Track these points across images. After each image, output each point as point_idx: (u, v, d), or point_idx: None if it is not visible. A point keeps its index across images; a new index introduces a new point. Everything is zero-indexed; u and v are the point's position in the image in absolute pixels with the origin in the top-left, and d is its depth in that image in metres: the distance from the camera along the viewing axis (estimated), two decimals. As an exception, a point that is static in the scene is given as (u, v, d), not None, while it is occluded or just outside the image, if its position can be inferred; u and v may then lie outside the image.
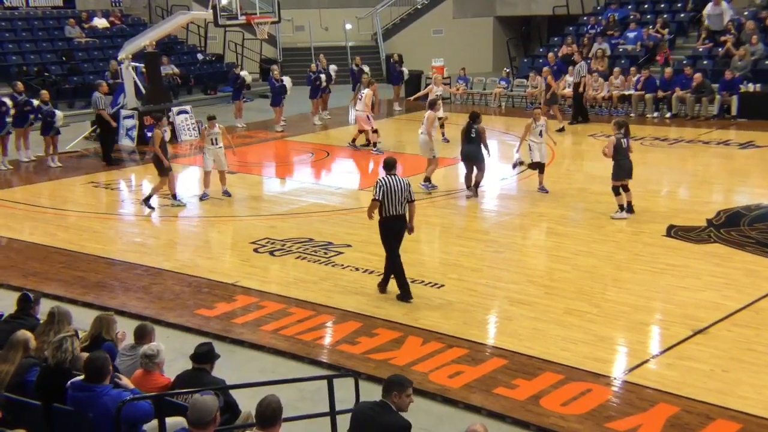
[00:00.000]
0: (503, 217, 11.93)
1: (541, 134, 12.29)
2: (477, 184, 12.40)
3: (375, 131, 16.00)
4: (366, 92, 15.96)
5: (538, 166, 12.41)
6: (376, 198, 8.32)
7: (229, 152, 12.81)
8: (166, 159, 12.08)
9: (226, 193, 12.72)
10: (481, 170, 12.30)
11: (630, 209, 10.96)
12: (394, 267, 8.47)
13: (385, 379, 4.98)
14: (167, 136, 12.64)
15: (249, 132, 18.79)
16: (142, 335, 5.86)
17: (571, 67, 18.66)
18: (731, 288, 8.46)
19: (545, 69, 18.98)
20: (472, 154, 12.18)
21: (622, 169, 10.77)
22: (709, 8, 19.77)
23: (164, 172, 12.13)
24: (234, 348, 7.52)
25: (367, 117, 15.88)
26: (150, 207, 12.16)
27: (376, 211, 8.39)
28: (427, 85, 20.39)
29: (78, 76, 21.44)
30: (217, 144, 12.48)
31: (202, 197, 12.61)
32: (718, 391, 6.39)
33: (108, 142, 15.87)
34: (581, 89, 18.49)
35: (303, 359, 7.25)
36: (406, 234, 8.51)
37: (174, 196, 12.39)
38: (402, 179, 8.38)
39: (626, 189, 10.97)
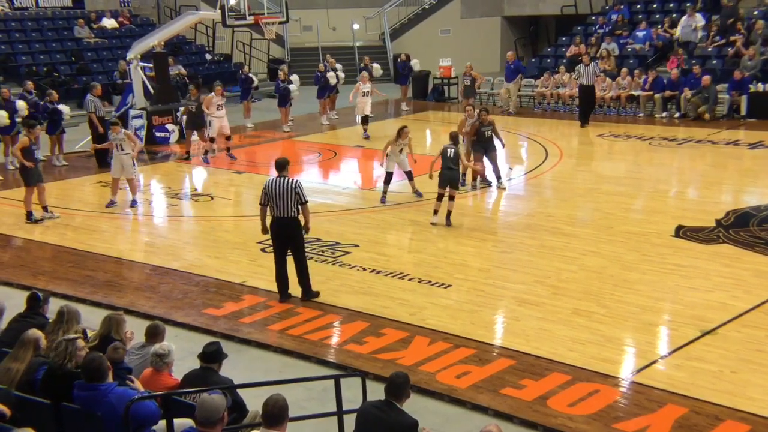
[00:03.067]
0: (511, 217, 11.90)
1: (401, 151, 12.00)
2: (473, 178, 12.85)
3: (212, 140, 15.52)
4: (208, 96, 15.47)
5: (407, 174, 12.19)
6: (260, 203, 8.35)
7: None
8: (30, 166, 11.42)
9: (134, 203, 12.35)
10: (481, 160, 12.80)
11: (448, 221, 10.72)
12: (277, 273, 8.41)
13: (389, 378, 4.98)
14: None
15: (257, 132, 18.83)
16: (154, 334, 5.88)
17: (580, 67, 18.15)
18: (740, 289, 8.42)
19: (468, 64, 19.32)
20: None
21: (443, 178, 10.66)
22: (683, 20, 19.44)
23: (31, 180, 11.46)
24: (241, 347, 7.54)
25: (209, 123, 15.43)
26: (49, 216, 11.70)
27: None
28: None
29: (87, 76, 21.49)
30: (122, 150, 12.09)
31: (109, 204, 12.28)
32: (727, 393, 6.36)
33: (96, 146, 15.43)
34: (599, 92, 18.12)
35: (310, 359, 7.26)
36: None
37: (45, 209, 11.75)
38: (290, 180, 8.16)
39: (451, 198, 10.76)
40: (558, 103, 20.14)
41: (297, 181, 8.26)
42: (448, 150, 10.73)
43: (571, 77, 19.45)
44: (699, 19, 19.34)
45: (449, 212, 10.77)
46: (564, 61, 21.27)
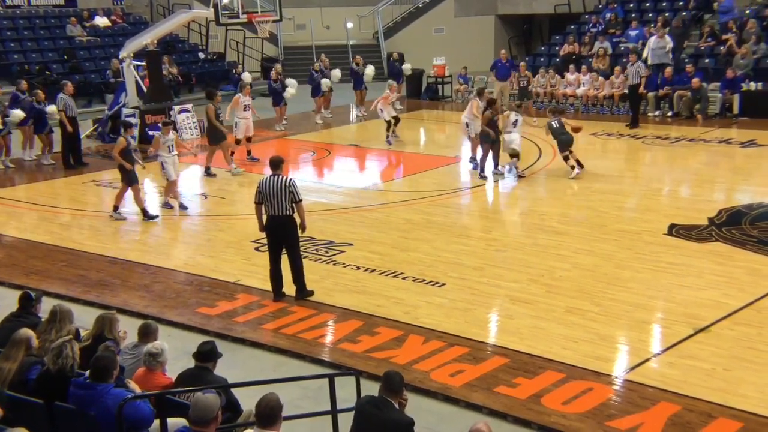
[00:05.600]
0: (504, 215, 11.94)
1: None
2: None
3: (238, 141, 14.96)
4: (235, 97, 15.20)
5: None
6: (255, 201, 8.29)
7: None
8: (129, 168, 11.40)
9: (167, 205, 12.13)
10: (484, 151, 13.44)
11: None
12: (271, 272, 8.38)
13: (384, 375, 4.98)
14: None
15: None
16: (147, 333, 5.86)
17: (629, 67, 17.53)
18: (733, 287, 8.45)
19: (522, 64, 19.30)
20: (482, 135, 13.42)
21: (562, 144, 13.28)
22: (652, 42, 18.78)
23: (132, 180, 11.47)
24: (235, 346, 7.53)
25: (235, 124, 14.90)
26: (121, 217, 11.65)
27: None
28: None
29: (79, 74, 21.45)
30: (172, 151, 11.95)
31: (166, 206, 12.04)
32: (720, 390, 6.39)
33: (68, 146, 15.24)
34: (641, 90, 17.39)
35: (304, 358, 7.25)
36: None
37: (116, 209, 11.72)
38: (284, 179, 8.11)
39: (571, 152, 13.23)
40: (552, 101, 20.18)
41: (291, 179, 8.23)
42: (553, 123, 13.25)
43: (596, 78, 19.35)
44: (668, 41, 18.80)
45: (577, 160, 13.22)
46: (557, 60, 21.32)
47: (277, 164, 8.32)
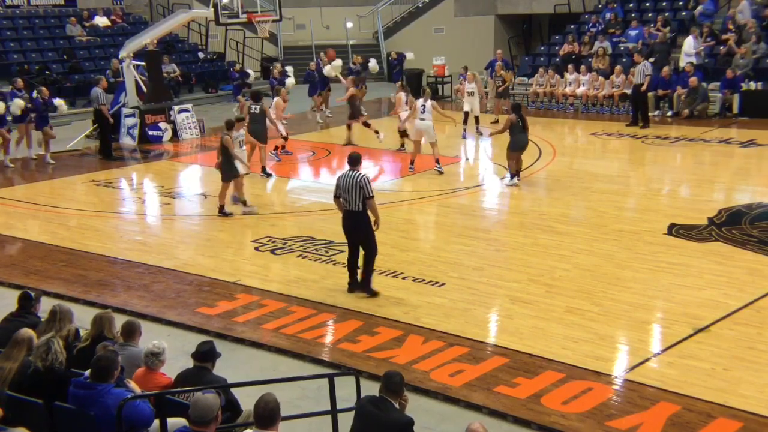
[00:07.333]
0: (504, 215, 11.93)
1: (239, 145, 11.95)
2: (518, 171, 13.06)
3: (285, 138, 15.16)
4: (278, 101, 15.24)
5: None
6: (334, 195, 8.50)
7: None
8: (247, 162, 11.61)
9: (234, 200, 12.05)
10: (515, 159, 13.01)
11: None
12: (348, 261, 8.61)
13: (384, 375, 4.98)
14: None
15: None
16: (131, 332, 5.84)
17: (633, 68, 17.48)
18: (732, 286, 8.45)
19: (498, 63, 19.11)
20: (525, 142, 12.85)
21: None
22: (693, 43, 18.70)
23: (228, 176, 11.49)
24: (235, 346, 7.53)
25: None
26: (225, 214, 11.62)
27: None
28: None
29: (79, 74, 21.46)
30: (241, 147, 12.00)
31: (245, 205, 11.86)
32: (720, 390, 6.39)
33: (107, 138, 15.88)
34: (644, 89, 17.08)
35: (304, 357, 7.25)
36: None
37: (244, 202, 11.78)
38: (356, 175, 8.26)
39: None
40: (552, 101, 20.20)
41: (363, 176, 8.31)
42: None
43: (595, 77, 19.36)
44: (700, 42, 19.03)
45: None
46: (557, 59, 21.33)
47: (354, 161, 8.46)
